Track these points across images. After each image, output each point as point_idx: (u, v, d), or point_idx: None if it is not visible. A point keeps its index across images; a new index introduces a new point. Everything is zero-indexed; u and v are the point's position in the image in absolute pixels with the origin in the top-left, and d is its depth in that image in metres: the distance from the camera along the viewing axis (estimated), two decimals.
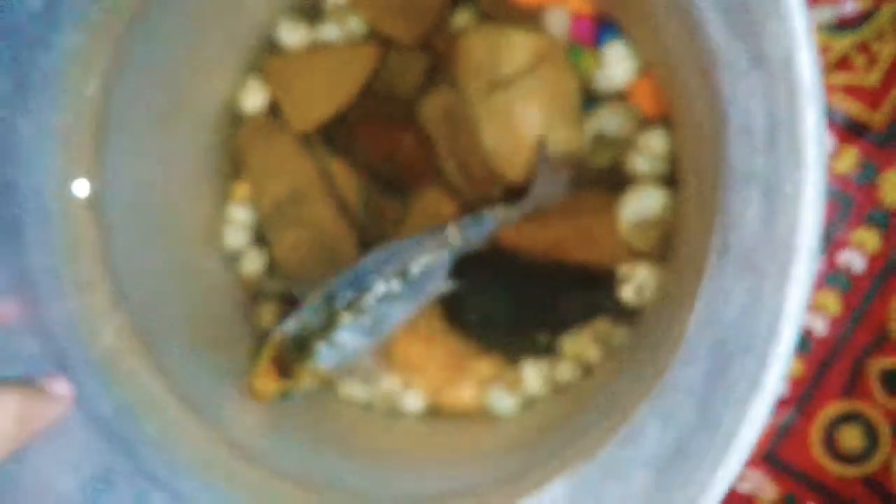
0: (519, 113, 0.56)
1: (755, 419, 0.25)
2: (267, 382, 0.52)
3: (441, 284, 0.54)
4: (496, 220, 0.54)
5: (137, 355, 0.51)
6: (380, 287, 0.52)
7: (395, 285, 0.52)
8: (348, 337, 0.52)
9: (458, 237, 0.53)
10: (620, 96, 0.58)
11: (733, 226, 0.33)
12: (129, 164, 0.56)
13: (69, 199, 0.51)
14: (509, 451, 0.54)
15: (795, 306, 0.25)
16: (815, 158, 0.25)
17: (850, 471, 0.63)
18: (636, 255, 0.57)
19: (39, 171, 0.50)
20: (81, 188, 0.51)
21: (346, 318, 0.52)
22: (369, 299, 0.52)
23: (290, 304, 0.62)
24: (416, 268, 0.52)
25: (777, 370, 0.25)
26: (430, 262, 0.52)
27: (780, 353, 0.25)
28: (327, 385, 0.59)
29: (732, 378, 0.27)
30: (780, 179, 0.26)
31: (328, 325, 0.52)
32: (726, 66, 0.34)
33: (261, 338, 0.56)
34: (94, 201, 0.52)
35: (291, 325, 0.53)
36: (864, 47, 0.60)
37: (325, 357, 0.52)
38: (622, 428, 0.38)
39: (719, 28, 0.34)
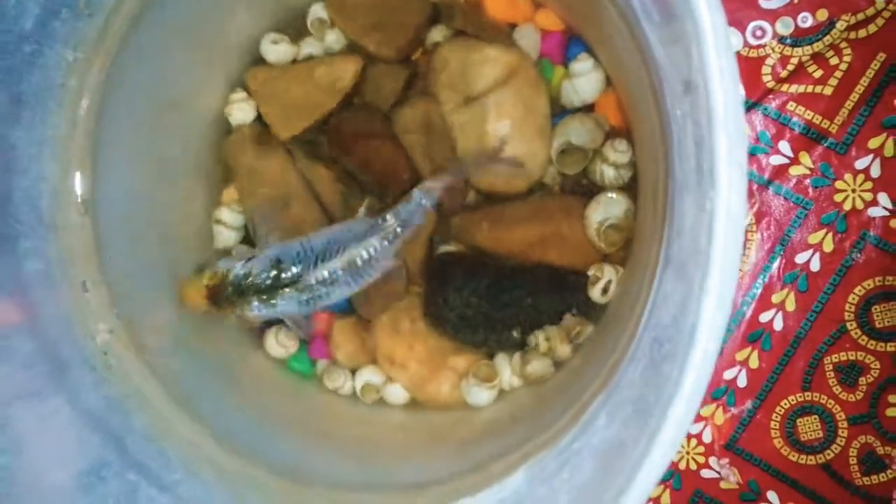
0: (491, 124, 0.59)
1: (676, 419, 0.28)
2: (196, 299, 0.56)
3: (387, 264, 0.57)
4: (426, 195, 0.57)
5: (130, 353, 0.54)
6: (323, 273, 0.55)
7: (339, 272, 0.56)
8: (283, 305, 0.56)
9: (396, 224, 0.56)
10: (588, 108, 0.61)
11: (676, 236, 0.36)
12: (122, 172, 0.58)
13: (63, 206, 0.54)
14: (482, 440, 0.57)
15: (710, 316, 0.28)
16: (727, 179, 0.28)
17: (810, 459, 0.66)
18: (603, 257, 0.60)
19: (34, 181, 0.53)
20: (75, 195, 0.54)
21: (286, 292, 0.55)
22: (311, 280, 0.55)
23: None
24: (360, 260, 0.56)
25: (694, 376, 0.28)
26: (373, 252, 0.56)
27: (695, 361, 0.28)
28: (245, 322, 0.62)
29: (663, 378, 0.31)
30: (704, 196, 0.29)
31: (269, 291, 0.56)
32: (669, 90, 0.37)
33: (207, 260, 0.59)
34: (88, 207, 0.55)
35: (238, 270, 0.56)
36: (819, 58, 0.63)
37: (256, 310, 0.57)
38: (579, 420, 0.41)
39: (662, 56, 0.37)
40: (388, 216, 0.57)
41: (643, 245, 0.51)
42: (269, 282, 0.55)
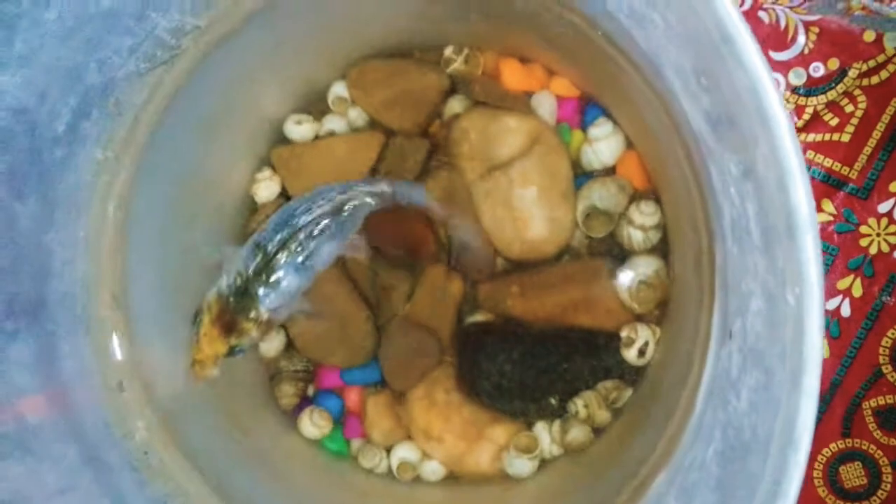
0: (516, 192, 0.59)
1: None
2: (212, 346, 0.52)
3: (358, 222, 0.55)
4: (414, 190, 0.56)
5: (169, 450, 0.53)
6: (309, 225, 0.53)
7: (326, 222, 0.53)
8: (284, 276, 0.53)
9: (390, 189, 0.55)
10: (609, 171, 0.61)
11: (737, 313, 0.36)
12: (151, 262, 0.58)
13: (97, 304, 0.53)
14: None
15: (810, 417, 0.27)
16: (816, 279, 0.27)
17: None
18: (637, 318, 0.60)
19: (69, 283, 0.52)
20: (107, 292, 0.53)
21: (281, 258, 0.53)
22: (300, 236, 0.53)
23: (304, 380, 0.65)
24: (348, 206, 0.54)
25: (797, 478, 0.27)
26: (360, 203, 0.54)
27: (798, 461, 0.27)
28: (268, 334, 0.59)
29: (749, 474, 0.30)
30: (781, 288, 0.29)
31: (265, 269, 0.53)
32: (718, 169, 0.37)
33: (195, 315, 0.55)
34: (120, 303, 0.54)
35: (224, 283, 0.53)
36: (834, 106, 0.63)
37: (266, 300, 0.53)
38: (640, 499, 0.40)
39: (708, 134, 0.37)
40: (385, 179, 0.55)
41: (685, 310, 0.51)
42: (259, 263, 0.53)
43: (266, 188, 0.64)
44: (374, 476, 0.63)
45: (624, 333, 0.59)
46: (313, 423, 0.63)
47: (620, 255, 0.60)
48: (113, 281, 0.54)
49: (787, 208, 0.28)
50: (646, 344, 0.58)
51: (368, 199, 0.55)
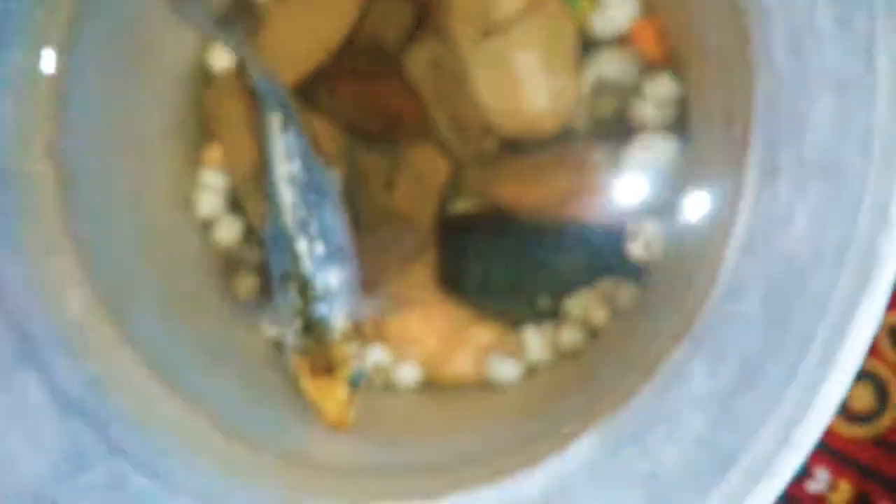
0: (514, 60, 0.52)
1: (857, 337, 0.22)
2: (332, 398, 0.48)
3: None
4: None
5: (106, 326, 0.46)
6: (294, 212, 0.49)
7: (289, 195, 0.49)
8: (325, 274, 0.49)
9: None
10: (621, 40, 0.54)
11: (785, 143, 0.29)
12: (91, 125, 0.51)
13: (28, 157, 0.46)
14: (514, 421, 0.50)
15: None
16: None
17: (861, 431, 0.60)
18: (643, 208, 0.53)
19: None
20: (39, 140, 0.46)
21: (306, 263, 0.48)
22: (295, 229, 0.48)
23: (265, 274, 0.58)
24: (283, 167, 0.49)
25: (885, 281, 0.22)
26: (285, 149, 0.50)
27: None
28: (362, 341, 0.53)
29: (815, 291, 0.24)
30: (864, 61, 0.23)
31: (304, 287, 0.48)
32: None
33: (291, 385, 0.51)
34: (56, 160, 0.47)
35: (290, 335, 0.49)
36: None
37: (329, 313, 0.49)
38: (657, 375, 0.34)
39: None
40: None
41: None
42: (297, 286, 0.49)
43: (223, 55, 0.56)
44: None
45: (629, 227, 0.53)
46: (276, 322, 0.56)
47: (628, 137, 0.53)
48: (48, 129, 0.46)
49: None
50: (652, 237, 0.52)
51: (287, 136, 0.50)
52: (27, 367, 0.40)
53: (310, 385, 0.48)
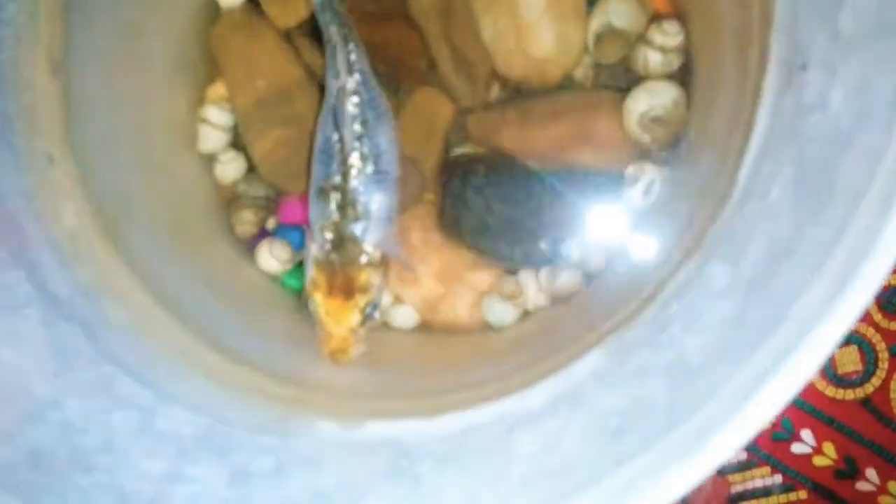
0: (522, 4, 0.52)
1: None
2: (342, 322, 0.46)
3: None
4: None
5: (100, 238, 0.46)
6: (347, 128, 0.48)
7: (357, 111, 0.48)
8: (369, 197, 0.47)
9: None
10: None
11: (811, 41, 0.29)
12: (97, 41, 0.51)
13: (29, 63, 0.46)
14: (511, 353, 0.50)
15: None
16: None
17: (848, 394, 0.60)
18: (643, 155, 0.53)
19: None
20: (44, 52, 0.46)
21: (353, 181, 0.47)
22: (349, 145, 0.47)
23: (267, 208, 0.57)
24: (345, 78, 0.48)
25: None
26: (347, 62, 0.49)
27: None
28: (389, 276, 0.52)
29: (864, 147, 0.24)
30: None
31: (346, 203, 0.47)
32: None
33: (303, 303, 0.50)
34: (59, 69, 0.47)
35: (314, 248, 0.48)
36: None
37: (368, 235, 0.47)
38: (667, 286, 0.34)
39: None
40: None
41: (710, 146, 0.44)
42: (338, 201, 0.47)
43: None
44: None
45: (630, 172, 0.52)
46: (272, 255, 0.56)
47: (629, 87, 0.53)
48: (51, 41, 0.46)
49: None
50: (652, 182, 0.52)
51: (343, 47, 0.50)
52: (17, 266, 0.40)
53: (324, 302, 0.46)
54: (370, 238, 0.48)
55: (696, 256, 0.35)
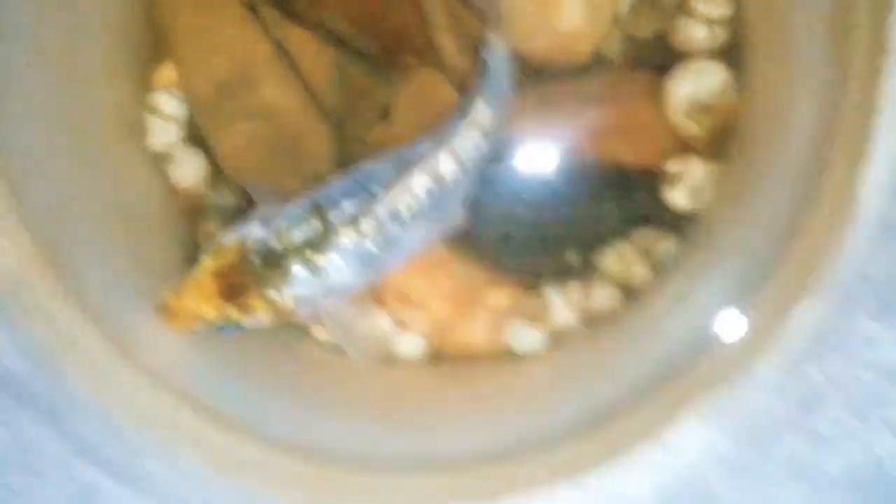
0: None
1: None
2: (199, 303, 0.38)
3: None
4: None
5: (47, 281, 0.36)
6: (397, 201, 0.39)
7: (418, 193, 0.39)
8: (340, 263, 0.39)
9: (488, 112, 0.40)
10: None
11: None
12: (24, 35, 0.40)
13: None
14: (550, 397, 0.42)
15: None
16: None
17: None
18: (687, 149, 0.46)
19: None
20: None
21: (345, 236, 0.38)
22: (380, 214, 0.39)
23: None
24: (447, 163, 0.39)
25: None
26: (466, 151, 0.40)
27: None
28: (281, 322, 0.42)
29: None
30: None
31: (317, 243, 0.39)
32: None
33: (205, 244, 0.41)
34: None
35: (257, 233, 0.39)
36: None
37: (299, 284, 0.39)
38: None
39: None
40: (475, 97, 0.40)
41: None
42: (312, 234, 0.38)
43: None
44: (331, 350, 0.47)
45: (672, 169, 0.45)
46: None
47: (672, 64, 0.46)
48: None
49: None
50: (699, 182, 0.44)
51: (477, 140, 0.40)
52: None
53: (204, 270, 0.38)
54: (298, 288, 0.39)
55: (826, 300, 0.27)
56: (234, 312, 0.38)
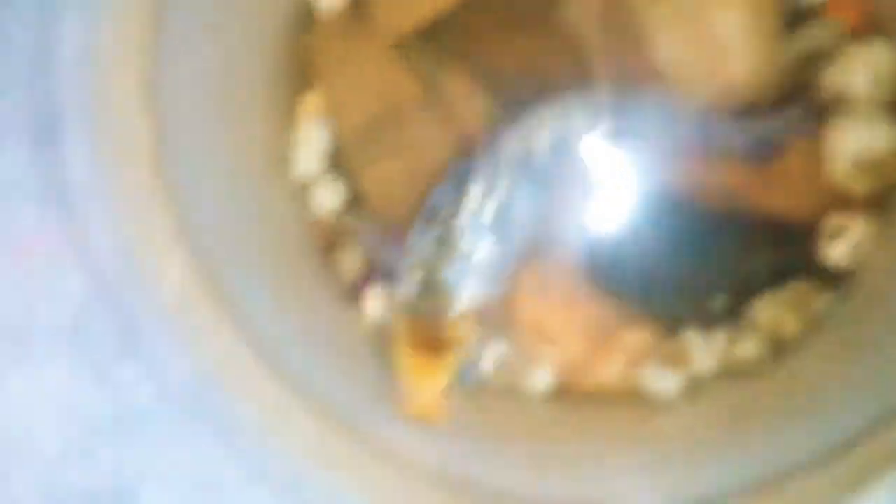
0: (710, 16, 0.43)
1: None
2: (429, 383, 0.38)
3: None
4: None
5: (213, 304, 0.36)
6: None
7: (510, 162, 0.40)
8: (471, 242, 0.39)
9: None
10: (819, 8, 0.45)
11: None
12: (186, 65, 0.41)
13: (117, 91, 0.37)
14: (688, 450, 0.41)
15: None
16: None
17: None
18: (847, 203, 0.44)
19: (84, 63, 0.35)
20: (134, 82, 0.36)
21: (462, 218, 0.39)
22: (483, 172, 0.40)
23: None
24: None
25: None
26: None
27: None
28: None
29: None
30: None
31: (446, 239, 0.39)
32: None
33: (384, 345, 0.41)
34: (147, 97, 0.37)
35: (405, 287, 0.40)
36: None
37: (457, 280, 0.39)
38: None
39: None
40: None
41: None
42: (438, 235, 0.39)
43: None
44: None
45: (832, 224, 0.44)
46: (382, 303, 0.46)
47: (827, 114, 0.45)
48: (138, 71, 0.37)
49: None
50: (861, 239, 0.43)
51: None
52: (136, 360, 0.30)
53: (407, 356, 0.39)
54: (466, 285, 0.39)
55: None
56: (451, 358, 0.39)
